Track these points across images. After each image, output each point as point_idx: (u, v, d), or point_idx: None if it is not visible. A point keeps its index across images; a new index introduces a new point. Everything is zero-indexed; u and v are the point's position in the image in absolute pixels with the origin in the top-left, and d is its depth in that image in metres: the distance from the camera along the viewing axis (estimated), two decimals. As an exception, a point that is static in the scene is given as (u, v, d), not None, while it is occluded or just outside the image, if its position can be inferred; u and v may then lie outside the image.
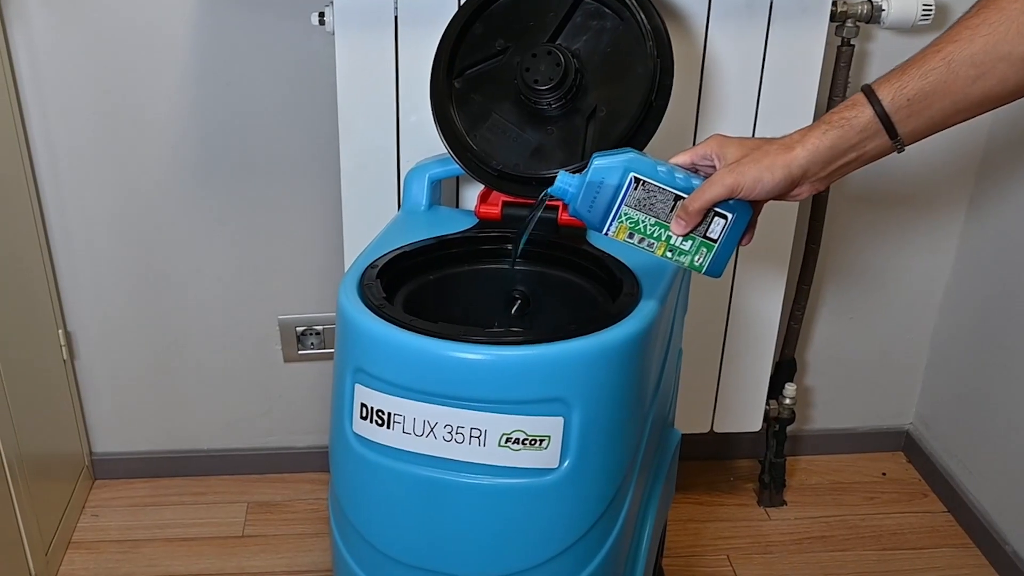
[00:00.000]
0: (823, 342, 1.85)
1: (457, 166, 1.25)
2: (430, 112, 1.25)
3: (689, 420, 1.67)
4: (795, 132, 0.96)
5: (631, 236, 0.99)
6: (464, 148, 1.24)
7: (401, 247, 1.18)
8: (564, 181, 1.00)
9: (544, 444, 0.99)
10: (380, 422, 1.02)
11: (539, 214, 1.10)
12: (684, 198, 0.97)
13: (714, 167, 0.98)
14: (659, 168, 0.98)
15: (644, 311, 1.05)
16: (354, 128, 1.41)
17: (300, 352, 1.74)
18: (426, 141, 1.35)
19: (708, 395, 1.67)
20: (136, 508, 1.74)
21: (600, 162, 0.98)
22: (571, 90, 1.19)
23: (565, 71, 1.18)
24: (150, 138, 1.57)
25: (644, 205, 0.98)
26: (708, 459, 1.90)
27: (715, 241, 0.98)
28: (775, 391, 1.73)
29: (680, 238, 0.99)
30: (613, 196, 0.98)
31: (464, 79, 1.25)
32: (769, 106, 1.44)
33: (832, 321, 1.83)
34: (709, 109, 1.44)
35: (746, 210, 0.97)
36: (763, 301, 1.60)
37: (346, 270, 1.14)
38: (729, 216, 0.97)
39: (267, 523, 1.71)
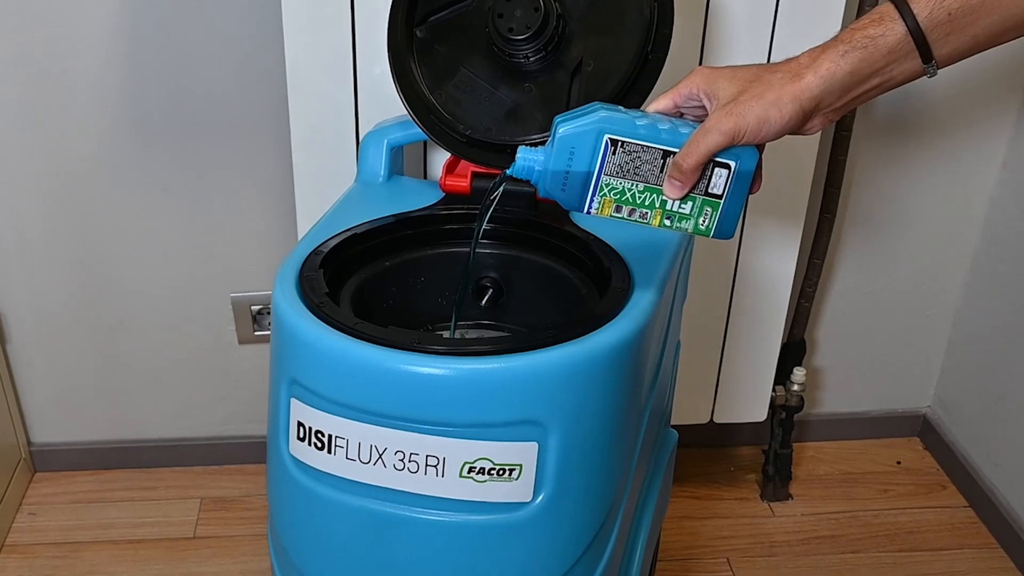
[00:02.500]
0: (834, 318, 1.69)
1: (419, 130, 1.07)
2: (388, 66, 1.07)
3: (686, 409, 1.51)
4: (803, 54, 0.78)
5: (618, 210, 0.82)
6: (427, 109, 1.06)
7: (352, 228, 1.01)
8: (526, 158, 0.82)
9: (514, 474, 0.83)
10: (319, 445, 0.86)
11: (496, 198, 0.92)
12: (674, 153, 0.79)
13: (703, 108, 0.81)
14: (638, 122, 0.80)
15: (637, 309, 0.88)
16: (304, 83, 1.23)
17: (256, 333, 1.58)
18: (389, 98, 1.15)
19: (708, 382, 1.51)
20: (78, 505, 1.59)
21: (565, 128, 0.80)
22: (552, 40, 1.01)
23: (545, 17, 1.00)
24: (79, 98, 1.41)
25: (628, 170, 0.81)
26: (706, 447, 1.75)
27: (720, 197, 0.81)
28: (782, 376, 1.57)
29: (677, 202, 0.81)
30: (588, 166, 0.81)
31: (427, 27, 1.07)
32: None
33: (845, 295, 1.67)
34: (714, 62, 1.26)
35: (752, 153, 0.80)
36: (771, 275, 1.43)
37: (287, 255, 0.97)
38: (732, 164, 0.80)
39: (221, 522, 1.56)
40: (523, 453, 0.82)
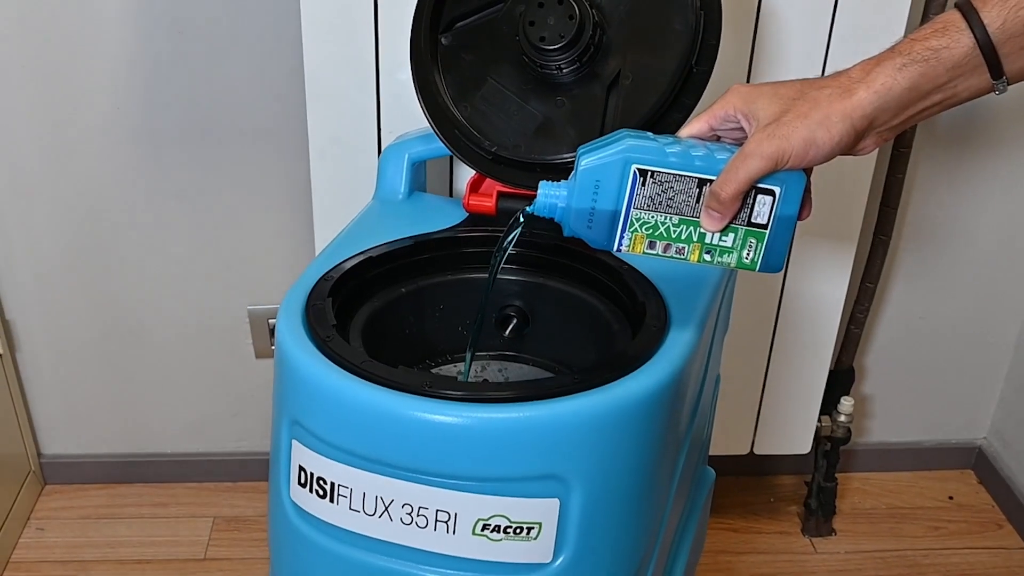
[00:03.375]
0: (885, 344, 1.59)
1: (442, 145, 1.00)
2: (411, 75, 0.99)
3: (724, 440, 1.42)
4: (854, 67, 0.70)
5: (652, 246, 0.74)
6: (451, 123, 0.98)
7: (366, 250, 0.93)
8: (547, 194, 0.75)
9: (533, 533, 0.75)
10: (321, 493, 0.79)
11: (514, 239, 0.84)
12: (711, 181, 0.71)
13: (742, 131, 0.73)
14: (669, 149, 0.72)
15: (673, 351, 0.80)
16: (324, 90, 1.16)
17: (274, 347, 1.50)
18: (414, 107, 1.07)
19: (749, 411, 1.42)
20: (88, 521, 1.54)
21: (589, 160, 0.73)
22: (587, 50, 0.93)
23: (580, 26, 0.91)
24: (93, 105, 1.35)
25: (660, 202, 0.73)
26: (745, 474, 1.65)
27: (764, 227, 0.73)
28: (828, 405, 1.48)
29: (717, 235, 0.73)
30: (616, 201, 0.73)
31: (453, 34, 0.99)
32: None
33: (898, 320, 1.57)
34: (764, 76, 1.16)
35: (798, 178, 0.72)
36: (820, 300, 1.34)
37: (295, 280, 0.90)
38: (777, 190, 0.71)
39: (233, 543, 1.49)
40: (543, 510, 0.75)
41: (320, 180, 1.21)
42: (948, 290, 1.54)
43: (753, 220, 0.73)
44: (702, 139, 0.75)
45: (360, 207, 1.07)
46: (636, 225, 0.74)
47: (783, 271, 1.31)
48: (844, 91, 0.69)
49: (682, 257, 0.75)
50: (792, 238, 0.74)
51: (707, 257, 0.74)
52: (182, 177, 1.39)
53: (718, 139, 0.76)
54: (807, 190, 0.73)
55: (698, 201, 0.72)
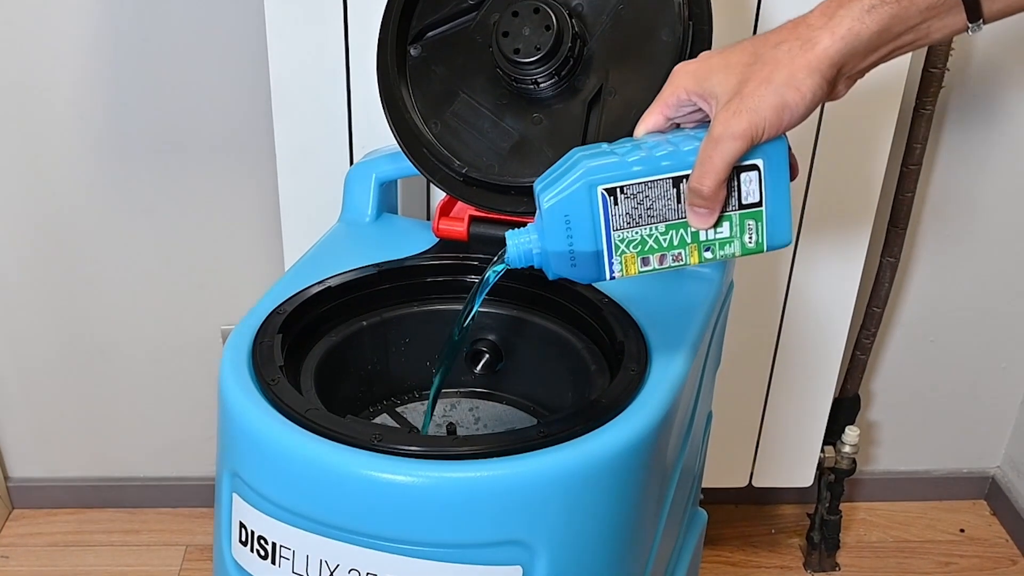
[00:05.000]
0: (893, 369, 1.51)
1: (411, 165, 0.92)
2: (378, 89, 0.92)
3: (720, 472, 1.35)
4: (813, 12, 0.64)
5: (646, 263, 0.67)
6: (419, 141, 0.91)
7: (326, 279, 0.86)
8: (519, 243, 0.69)
9: (493, 604, 0.67)
10: (263, 553, 0.72)
11: (483, 296, 0.77)
12: (686, 176, 0.65)
13: (702, 111, 0.67)
14: (630, 158, 0.66)
15: (654, 399, 0.73)
16: (290, 103, 1.09)
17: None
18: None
19: (747, 441, 1.34)
20: (55, 549, 1.47)
21: (550, 195, 0.66)
22: (566, 63, 0.86)
23: (558, 37, 0.84)
24: (58, 116, 1.29)
25: (639, 215, 0.66)
26: (743, 503, 1.57)
27: (759, 204, 0.66)
28: (832, 435, 1.40)
29: (711, 229, 0.66)
30: (593, 231, 0.66)
31: (423, 44, 0.92)
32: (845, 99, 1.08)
33: (906, 343, 1.49)
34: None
35: (778, 143, 0.65)
36: (823, 325, 1.26)
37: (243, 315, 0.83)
38: (760, 163, 0.65)
39: (206, 573, 1.43)
40: (504, 579, 0.67)
41: (289, 196, 1.14)
42: (960, 312, 1.46)
43: (744, 202, 0.66)
44: (661, 132, 0.69)
45: (331, 224, 1.00)
46: (622, 247, 0.67)
47: (784, 292, 1.24)
48: (805, 43, 0.63)
49: (681, 263, 0.68)
50: (791, 204, 0.67)
51: (708, 255, 0.68)
52: (150, 190, 1.32)
53: (677, 127, 0.69)
54: (789, 150, 0.66)
55: (679, 201, 0.66)
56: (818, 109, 1.10)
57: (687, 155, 0.65)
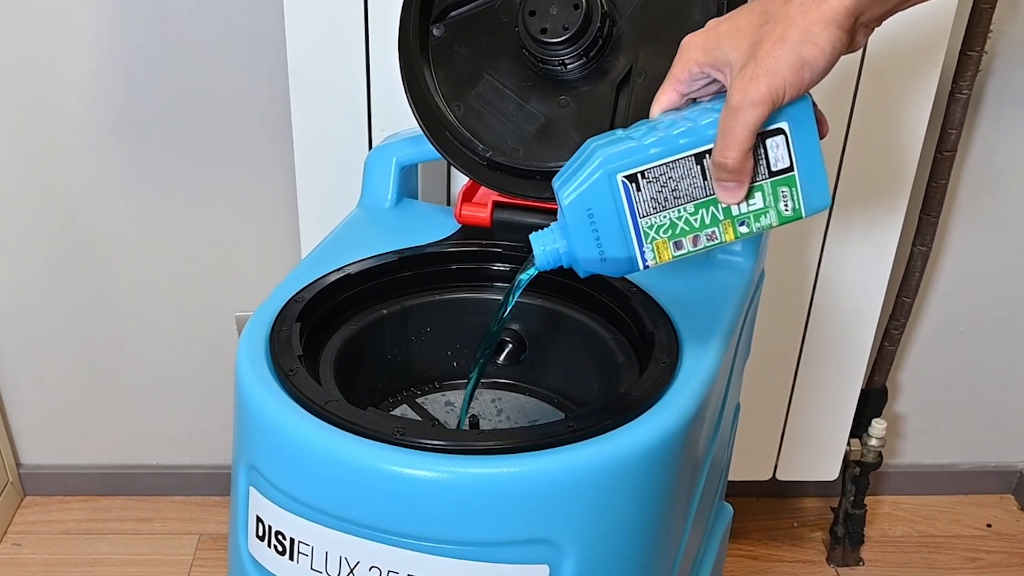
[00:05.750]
0: (921, 360, 1.48)
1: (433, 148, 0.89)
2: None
3: (745, 465, 1.32)
4: None
5: (679, 247, 0.65)
6: (442, 124, 0.88)
7: (345, 266, 0.83)
8: (545, 248, 0.66)
9: (518, 604, 0.65)
10: (280, 549, 0.69)
11: (515, 300, 0.75)
12: (709, 151, 0.62)
13: (717, 83, 0.64)
14: (646, 140, 0.63)
15: (685, 392, 0.70)
16: (308, 85, 1.07)
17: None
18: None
19: (772, 434, 1.32)
20: (67, 537, 1.46)
21: (568, 191, 0.63)
22: (595, 44, 0.82)
23: (586, 16, 0.81)
24: (68, 96, 1.26)
25: (666, 198, 0.63)
26: (766, 496, 1.55)
27: (790, 169, 0.63)
28: (858, 427, 1.37)
29: (743, 203, 0.63)
30: (618, 221, 0.63)
31: (446, 24, 0.89)
32: (883, 62, 1.05)
33: (935, 334, 1.46)
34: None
35: (803, 102, 0.62)
36: (852, 315, 1.24)
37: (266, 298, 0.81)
38: (786, 126, 0.62)
39: (219, 563, 1.41)
40: (530, 578, 0.65)
41: (306, 181, 1.12)
42: (990, 303, 1.43)
43: (774, 168, 0.63)
44: (677, 109, 0.66)
45: (350, 210, 0.97)
46: (652, 234, 0.64)
47: (812, 282, 1.21)
48: None
49: (716, 242, 0.65)
50: (824, 164, 0.64)
51: (743, 229, 0.64)
52: (163, 176, 1.30)
53: (694, 101, 0.66)
54: (815, 106, 0.63)
55: (705, 178, 0.63)
56: (851, 95, 1.07)
57: (706, 129, 0.62)
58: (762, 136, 0.61)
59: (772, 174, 0.63)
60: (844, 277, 1.19)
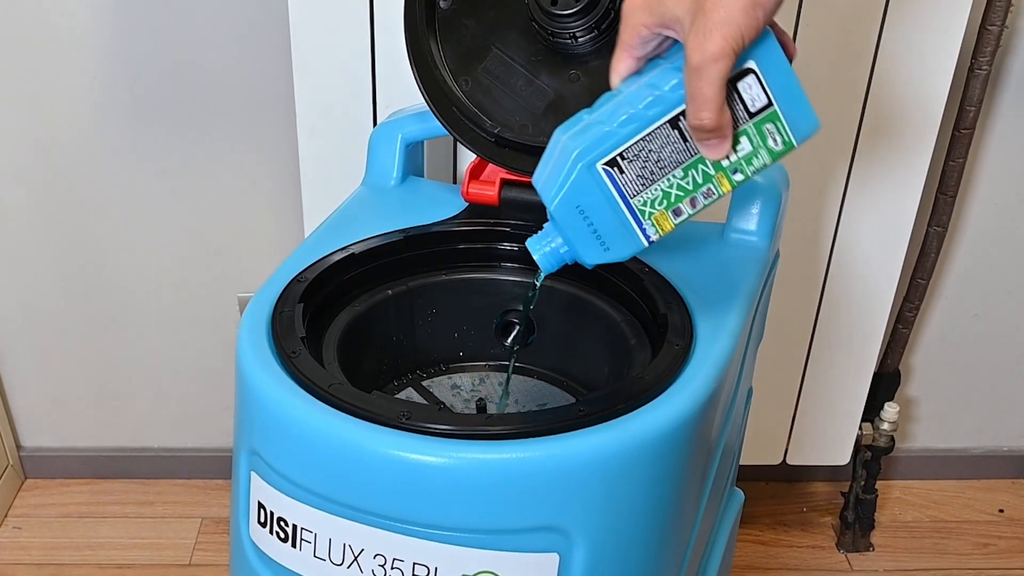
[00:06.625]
0: (934, 343, 1.46)
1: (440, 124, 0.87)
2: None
3: (755, 449, 1.30)
4: None
5: (678, 213, 0.64)
6: (448, 99, 0.85)
7: (349, 245, 0.81)
8: (542, 250, 0.66)
9: (528, 594, 0.63)
10: (283, 536, 0.67)
11: (534, 302, 0.75)
12: (681, 113, 0.60)
13: (670, 39, 0.62)
14: (616, 120, 0.61)
15: (699, 376, 0.68)
16: (312, 59, 1.04)
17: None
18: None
19: (783, 418, 1.30)
20: (68, 520, 1.44)
21: (552, 193, 0.63)
22: (607, 16, 0.80)
23: (598, -12, 0.78)
24: (66, 72, 1.23)
25: (651, 171, 0.62)
26: (775, 480, 1.53)
27: (769, 104, 0.61)
28: (870, 411, 1.34)
29: (732, 154, 0.62)
30: (610, 209, 0.62)
31: (453, -4, 0.86)
32: (900, 36, 1.03)
33: (948, 317, 1.43)
34: (813, 33, 1.03)
35: (764, 37, 0.59)
36: (865, 298, 1.21)
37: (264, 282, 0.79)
38: (754, 64, 0.60)
39: (221, 547, 1.39)
40: (539, 567, 0.63)
41: (309, 158, 1.09)
42: (1005, 286, 1.40)
43: (753, 109, 0.61)
44: (634, 74, 0.64)
45: (354, 188, 0.95)
46: (648, 209, 0.63)
47: (826, 265, 1.18)
48: None
49: (714, 198, 0.64)
50: (801, 88, 0.62)
51: (738, 177, 0.63)
52: (165, 152, 1.28)
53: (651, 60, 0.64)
54: (778, 34, 0.61)
55: (686, 140, 0.61)
56: (868, 69, 1.05)
57: (672, 92, 0.61)
58: (732, 81, 0.60)
59: (752, 115, 0.61)
60: (858, 258, 1.17)
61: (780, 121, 0.61)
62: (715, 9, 0.56)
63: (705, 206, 0.64)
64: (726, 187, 0.63)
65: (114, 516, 1.45)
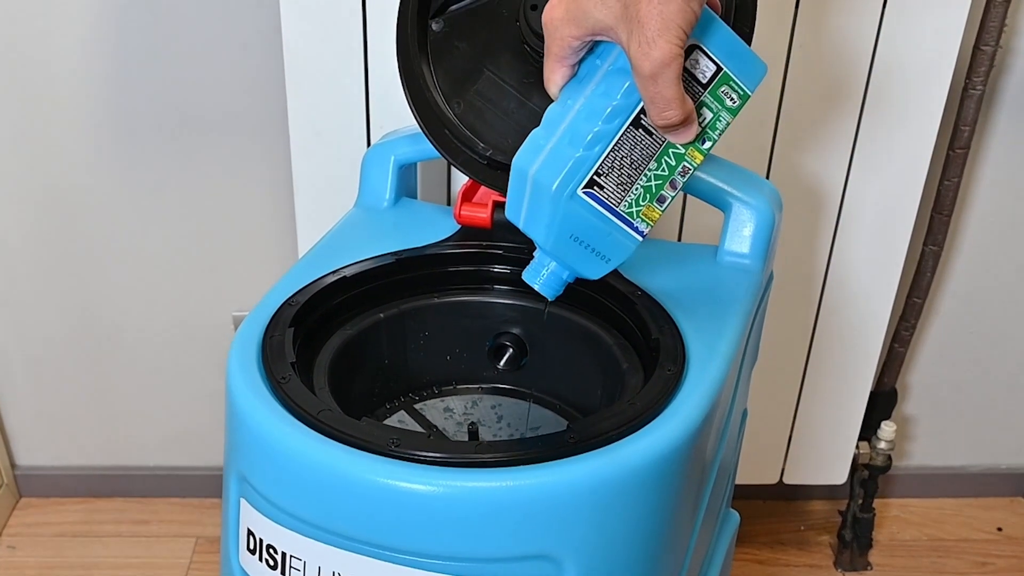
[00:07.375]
0: (931, 360, 1.45)
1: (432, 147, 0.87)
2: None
3: (751, 468, 1.29)
4: None
5: (662, 201, 0.67)
6: (440, 122, 0.85)
7: (341, 268, 0.81)
8: (542, 280, 0.68)
9: (518, 623, 0.63)
10: (271, 563, 0.67)
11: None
12: (641, 113, 0.62)
13: (610, 42, 0.62)
14: (581, 141, 0.63)
15: (691, 402, 0.68)
16: (305, 80, 1.04)
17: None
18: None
19: (779, 438, 1.29)
20: (63, 539, 1.44)
21: (538, 234, 0.65)
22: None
23: (590, 11, 0.78)
24: (62, 93, 1.23)
25: (628, 175, 0.64)
26: (771, 499, 1.52)
27: (719, 70, 0.63)
28: (867, 430, 1.34)
29: (699, 131, 0.64)
30: (601, 225, 0.65)
31: (446, 18, 0.86)
32: (894, 55, 1.03)
33: (945, 334, 1.43)
34: (807, 66, 1.03)
35: (704, 15, 0.61)
36: (861, 318, 1.21)
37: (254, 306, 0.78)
38: (697, 41, 0.62)
39: (216, 566, 1.38)
40: (530, 595, 0.63)
41: (303, 179, 1.09)
42: (1001, 304, 1.40)
43: (705, 81, 0.63)
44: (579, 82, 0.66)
45: (347, 208, 0.95)
46: (634, 209, 0.65)
47: (821, 283, 1.18)
48: None
49: (692, 171, 0.66)
50: (739, 39, 0.63)
51: (707, 145, 0.66)
52: (159, 172, 1.27)
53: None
54: (713, 4, 0.63)
55: (651, 133, 0.63)
56: (863, 89, 1.04)
57: (624, 99, 0.62)
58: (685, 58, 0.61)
59: (706, 86, 0.63)
60: (854, 277, 1.17)
61: (732, 80, 0.64)
62: (650, 17, 0.57)
63: (684, 183, 0.66)
64: (698, 159, 0.65)
65: (109, 535, 1.44)
